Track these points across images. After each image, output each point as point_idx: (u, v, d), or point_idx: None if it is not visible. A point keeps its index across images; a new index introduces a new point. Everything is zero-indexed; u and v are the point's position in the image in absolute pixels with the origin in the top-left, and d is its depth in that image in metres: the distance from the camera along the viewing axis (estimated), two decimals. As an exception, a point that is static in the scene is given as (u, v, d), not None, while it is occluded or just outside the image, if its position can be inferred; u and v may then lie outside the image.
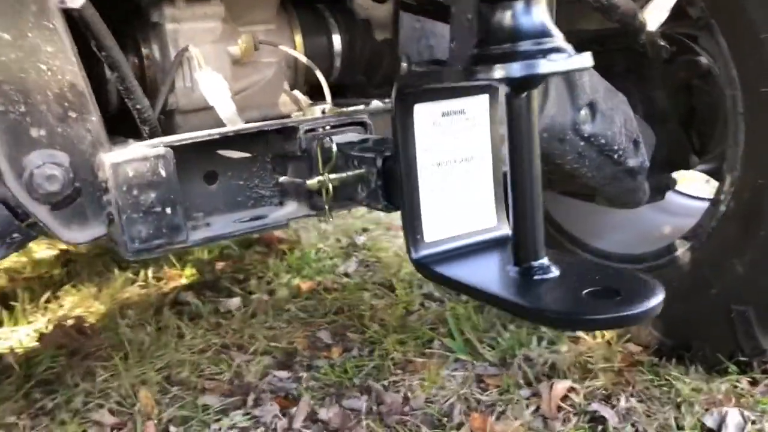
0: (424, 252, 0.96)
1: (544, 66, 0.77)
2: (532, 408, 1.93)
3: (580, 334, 2.23)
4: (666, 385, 1.96)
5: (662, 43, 2.00)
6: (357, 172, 1.10)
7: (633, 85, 2.04)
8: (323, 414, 1.98)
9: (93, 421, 2.00)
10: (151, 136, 1.26)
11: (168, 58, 1.34)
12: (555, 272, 0.87)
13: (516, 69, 0.77)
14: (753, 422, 1.75)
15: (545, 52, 0.78)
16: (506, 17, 0.80)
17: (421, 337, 2.36)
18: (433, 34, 2.12)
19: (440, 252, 0.97)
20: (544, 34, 0.80)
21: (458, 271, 0.92)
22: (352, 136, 1.24)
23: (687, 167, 2.12)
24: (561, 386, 1.94)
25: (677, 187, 2.34)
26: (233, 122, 1.31)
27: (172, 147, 1.13)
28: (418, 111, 0.93)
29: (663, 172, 2.09)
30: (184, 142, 1.14)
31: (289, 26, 1.52)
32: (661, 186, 2.09)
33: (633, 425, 1.81)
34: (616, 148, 1.71)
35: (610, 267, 0.91)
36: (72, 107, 1.08)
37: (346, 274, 3.02)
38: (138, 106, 1.22)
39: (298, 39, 1.53)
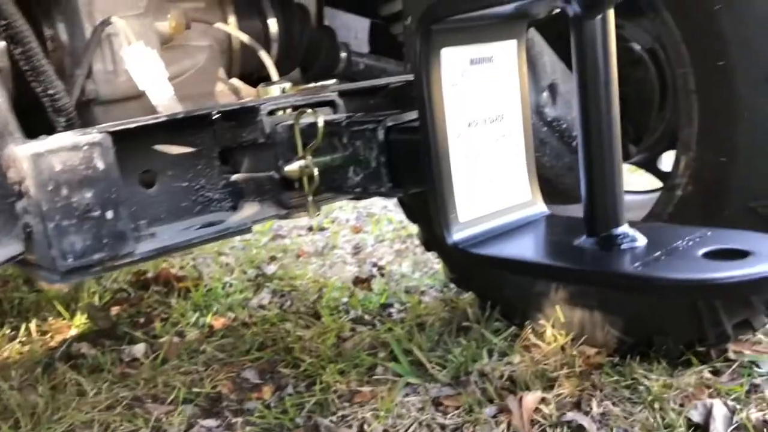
0: (461, 234, 0.77)
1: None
2: (503, 426, 1.76)
3: (534, 341, 2.11)
4: (634, 385, 1.86)
5: (594, 31, 1.93)
6: (348, 152, 0.90)
7: (568, 74, 1.97)
8: (270, 463, 1.72)
9: None
10: (68, 127, 1.00)
11: (80, 37, 1.08)
12: (642, 239, 0.71)
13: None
14: (735, 412, 1.67)
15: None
16: None
17: (361, 365, 2.14)
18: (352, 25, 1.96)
19: (479, 234, 0.78)
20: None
21: (514, 250, 0.74)
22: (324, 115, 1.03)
23: (626, 158, 2.05)
24: (531, 398, 1.79)
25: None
26: (172, 110, 1.06)
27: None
28: (447, 56, 0.75)
29: (604, 164, 2.02)
30: (119, 128, 0.89)
31: (219, 5, 1.30)
32: (604, 178, 2.01)
33: (614, 430, 1.69)
34: (575, 134, 1.61)
35: (707, 228, 0.75)
36: (-33, 83, 0.81)
37: (262, 307, 2.76)
38: (50, 91, 0.96)
39: (232, 20, 1.30)
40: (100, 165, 0.84)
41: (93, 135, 0.84)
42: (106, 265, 0.86)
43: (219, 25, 1.21)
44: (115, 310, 2.80)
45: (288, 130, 0.98)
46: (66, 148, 0.82)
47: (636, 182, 2.82)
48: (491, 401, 1.87)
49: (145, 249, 0.91)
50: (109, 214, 0.84)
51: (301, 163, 0.91)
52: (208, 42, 1.24)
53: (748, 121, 1.56)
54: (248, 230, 1.00)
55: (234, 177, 1.07)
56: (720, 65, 1.58)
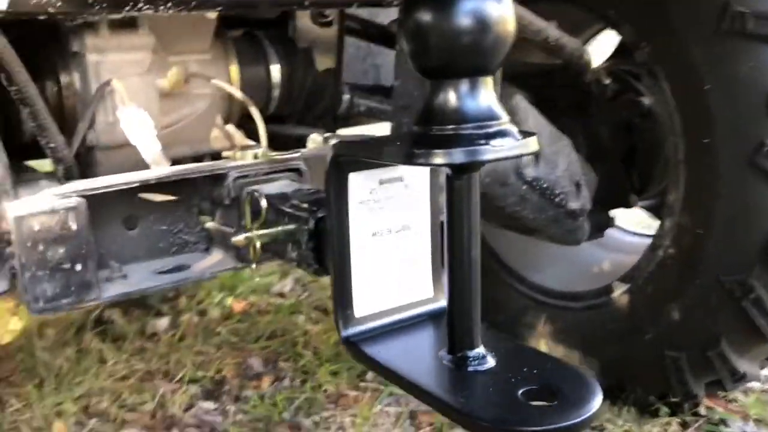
0: (353, 329, 0.90)
1: (487, 152, 0.72)
2: (465, 450, 1.89)
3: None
4: (597, 428, 1.95)
5: (607, 81, 1.98)
6: (288, 228, 1.03)
7: (576, 121, 2.03)
8: (250, 453, 1.90)
9: (0, 459, 1.87)
10: (66, 175, 1.17)
11: (89, 90, 1.24)
12: (491, 362, 0.82)
13: (458, 155, 0.72)
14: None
15: (489, 137, 0.73)
16: (450, 97, 0.74)
17: (354, 368, 2.29)
18: (377, 54, 2.07)
19: (371, 329, 0.91)
20: (490, 116, 0.75)
21: (389, 353, 0.86)
22: (285, 184, 1.17)
23: (627, 206, 2.11)
24: (495, 428, 1.90)
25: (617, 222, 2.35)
26: (158, 163, 1.22)
27: (86, 195, 1.03)
28: (354, 180, 0.87)
29: (602, 210, 2.08)
30: (98, 191, 1.05)
31: (224, 56, 1.44)
32: (601, 224, 2.08)
33: (565, 471, 1.79)
34: (558, 191, 1.69)
35: (550, 358, 0.86)
36: (-28, 151, 0.98)
37: (281, 295, 2.93)
38: (52, 145, 1.12)
39: (234, 69, 1.44)
40: (74, 226, 1.00)
41: (70, 200, 1.00)
42: (74, 308, 1.03)
43: (215, 81, 1.35)
44: (149, 280, 3.03)
45: (252, 194, 1.12)
46: (45, 212, 0.98)
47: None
48: (461, 424, 2.00)
49: (110, 293, 1.08)
50: (78, 267, 1.01)
51: (247, 234, 1.05)
52: (210, 90, 1.39)
53: (725, 198, 1.61)
54: (209, 279, 1.16)
55: (208, 225, 1.23)
56: (706, 142, 1.63)
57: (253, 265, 1.10)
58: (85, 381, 2.22)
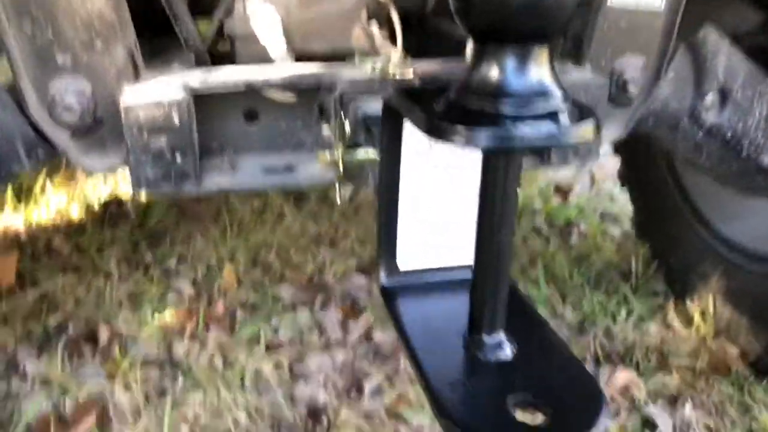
0: (394, 281, 0.87)
1: (515, 140, 0.61)
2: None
3: (673, 318, 2.03)
4: (746, 407, 1.75)
5: None
6: (369, 154, 1.00)
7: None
8: (378, 336, 1.99)
9: (174, 289, 2.14)
10: (198, 61, 1.22)
11: (235, -21, 1.26)
12: (506, 353, 0.75)
13: (480, 138, 0.62)
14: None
15: (527, 119, 0.61)
16: (492, 65, 0.63)
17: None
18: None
19: (412, 284, 0.87)
20: (538, 93, 0.62)
21: (415, 316, 0.82)
22: (393, 103, 1.11)
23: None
24: (621, 377, 1.79)
25: None
26: (282, 60, 1.22)
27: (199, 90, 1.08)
28: (411, 129, 0.80)
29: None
30: (206, 92, 1.09)
31: (379, -51, 1.36)
32: (814, 183, 1.75)
33: (687, 444, 1.66)
34: (747, 143, 1.43)
35: (572, 360, 0.76)
36: (99, 36, 1.04)
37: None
38: (185, 35, 1.17)
39: (387, -35, 1.36)
40: (176, 120, 1.05)
41: (177, 93, 1.05)
42: (173, 194, 1.11)
43: (357, -20, 1.29)
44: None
45: (355, 111, 1.09)
46: (152, 104, 1.04)
47: None
48: (597, 362, 1.90)
49: (210, 187, 1.13)
50: (178, 158, 1.07)
51: (332, 153, 1.03)
52: (359, -14, 1.33)
53: None
54: (307, 187, 1.16)
55: (324, 130, 1.23)
56: None
57: (337, 184, 1.09)
58: (262, 233, 2.44)
